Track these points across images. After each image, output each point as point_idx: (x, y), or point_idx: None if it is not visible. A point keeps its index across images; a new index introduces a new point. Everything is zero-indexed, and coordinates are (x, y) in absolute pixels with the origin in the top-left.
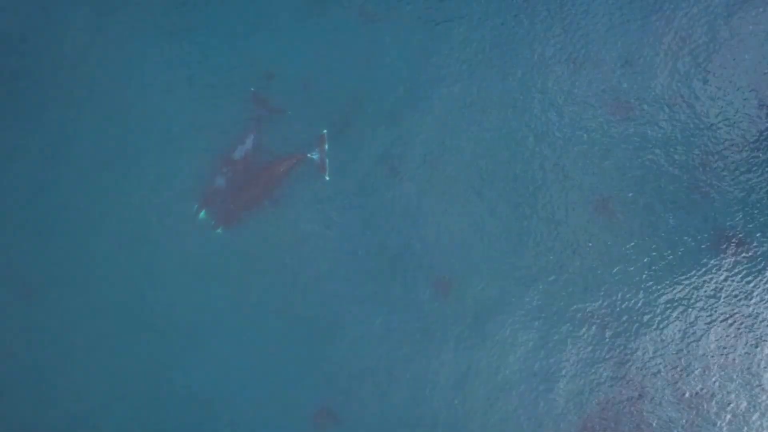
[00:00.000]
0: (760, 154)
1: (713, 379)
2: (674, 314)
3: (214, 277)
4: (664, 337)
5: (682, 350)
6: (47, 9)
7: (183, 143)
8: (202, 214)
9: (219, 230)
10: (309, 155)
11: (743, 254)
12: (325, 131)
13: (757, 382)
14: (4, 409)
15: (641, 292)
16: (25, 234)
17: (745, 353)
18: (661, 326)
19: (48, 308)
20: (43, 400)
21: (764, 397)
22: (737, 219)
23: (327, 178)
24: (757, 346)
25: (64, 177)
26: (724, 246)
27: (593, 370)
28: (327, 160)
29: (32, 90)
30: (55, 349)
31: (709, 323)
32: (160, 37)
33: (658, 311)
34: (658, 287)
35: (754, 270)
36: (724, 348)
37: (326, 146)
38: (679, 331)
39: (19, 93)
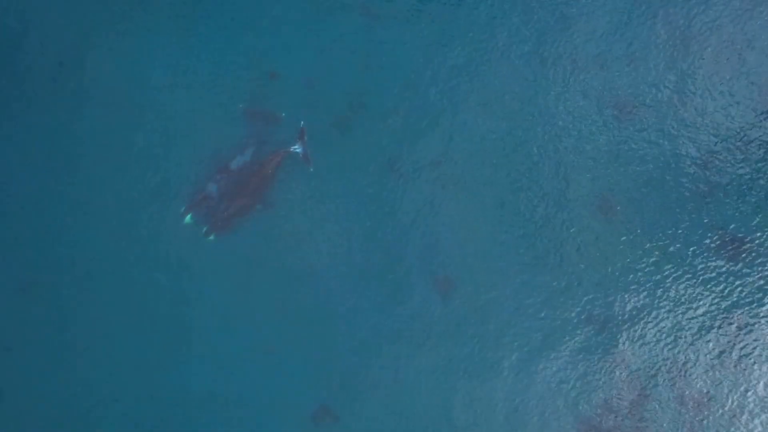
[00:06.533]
0: (766, 155)
1: (715, 382)
2: (676, 315)
3: (212, 279)
4: (666, 339)
5: (684, 352)
6: (46, 8)
7: (181, 147)
8: (188, 218)
9: (211, 237)
10: (293, 149)
11: (748, 256)
12: (303, 123)
13: (760, 385)
14: (3, 408)
15: (644, 293)
16: (18, 231)
17: (749, 356)
18: (663, 328)
19: (40, 306)
20: (39, 400)
21: (766, 400)
22: (742, 220)
23: (311, 170)
24: (760, 349)
25: (62, 174)
26: (728, 247)
27: (594, 371)
28: (310, 152)
29: (31, 90)
30: (47, 348)
31: (712, 325)
32: (162, 37)
33: (660, 312)
34: (661, 288)
35: (758, 272)
36: (727, 350)
37: (306, 138)
38: (681, 332)
39: (15, 90)
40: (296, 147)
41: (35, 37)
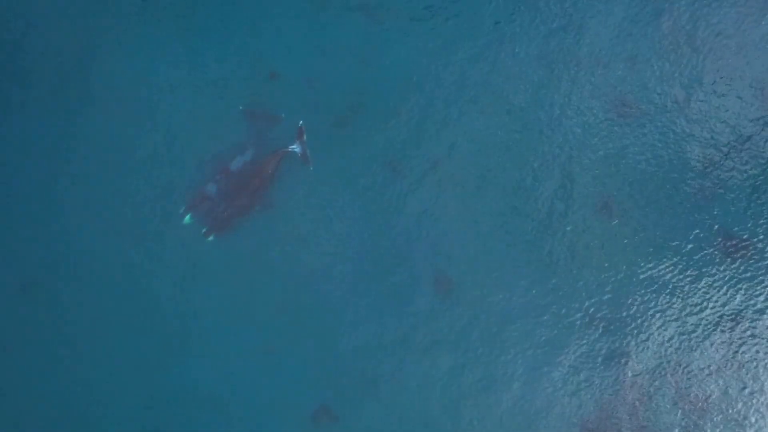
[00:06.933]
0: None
1: (717, 383)
2: (677, 316)
3: (212, 280)
4: (667, 340)
5: (686, 352)
6: (47, 11)
7: (181, 148)
8: (187, 218)
9: (210, 238)
10: (291, 148)
11: (748, 257)
12: (301, 122)
13: (761, 386)
14: (3, 408)
15: (644, 294)
16: (18, 231)
17: (750, 357)
18: (664, 329)
19: (40, 306)
20: (39, 400)
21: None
22: (743, 221)
23: (311, 168)
24: (761, 350)
25: (62, 174)
26: (729, 248)
27: (595, 372)
28: (309, 151)
29: (31, 91)
30: (47, 348)
31: (713, 326)
32: (162, 37)
33: (662, 313)
34: (662, 289)
35: (759, 273)
36: (728, 351)
37: (305, 137)
38: (683, 333)
39: (17, 91)
40: (295, 146)
41: (37, 40)
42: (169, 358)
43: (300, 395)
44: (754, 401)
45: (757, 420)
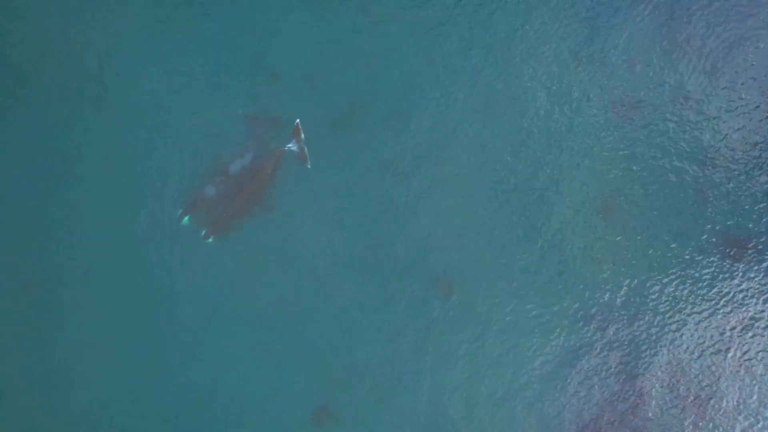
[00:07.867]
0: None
1: (716, 382)
2: (678, 316)
3: (212, 280)
4: (667, 340)
5: (685, 352)
6: (47, 11)
7: (181, 150)
8: (185, 219)
9: (210, 240)
10: (288, 147)
11: (748, 257)
12: (298, 120)
13: (761, 385)
14: (4, 408)
15: (645, 294)
16: (19, 233)
17: (749, 357)
18: (664, 328)
19: (40, 306)
20: (39, 400)
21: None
22: (743, 221)
23: (308, 167)
24: (760, 350)
25: (63, 176)
26: (729, 248)
27: (595, 372)
28: (306, 149)
29: (31, 93)
30: (47, 348)
31: (713, 326)
32: (163, 39)
33: (662, 314)
34: (662, 290)
35: (758, 273)
36: (728, 351)
37: (302, 135)
38: (683, 333)
39: (17, 94)
40: (291, 145)
41: (39, 45)
42: (169, 359)
43: (300, 395)
44: (754, 400)
45: (757, 419)
